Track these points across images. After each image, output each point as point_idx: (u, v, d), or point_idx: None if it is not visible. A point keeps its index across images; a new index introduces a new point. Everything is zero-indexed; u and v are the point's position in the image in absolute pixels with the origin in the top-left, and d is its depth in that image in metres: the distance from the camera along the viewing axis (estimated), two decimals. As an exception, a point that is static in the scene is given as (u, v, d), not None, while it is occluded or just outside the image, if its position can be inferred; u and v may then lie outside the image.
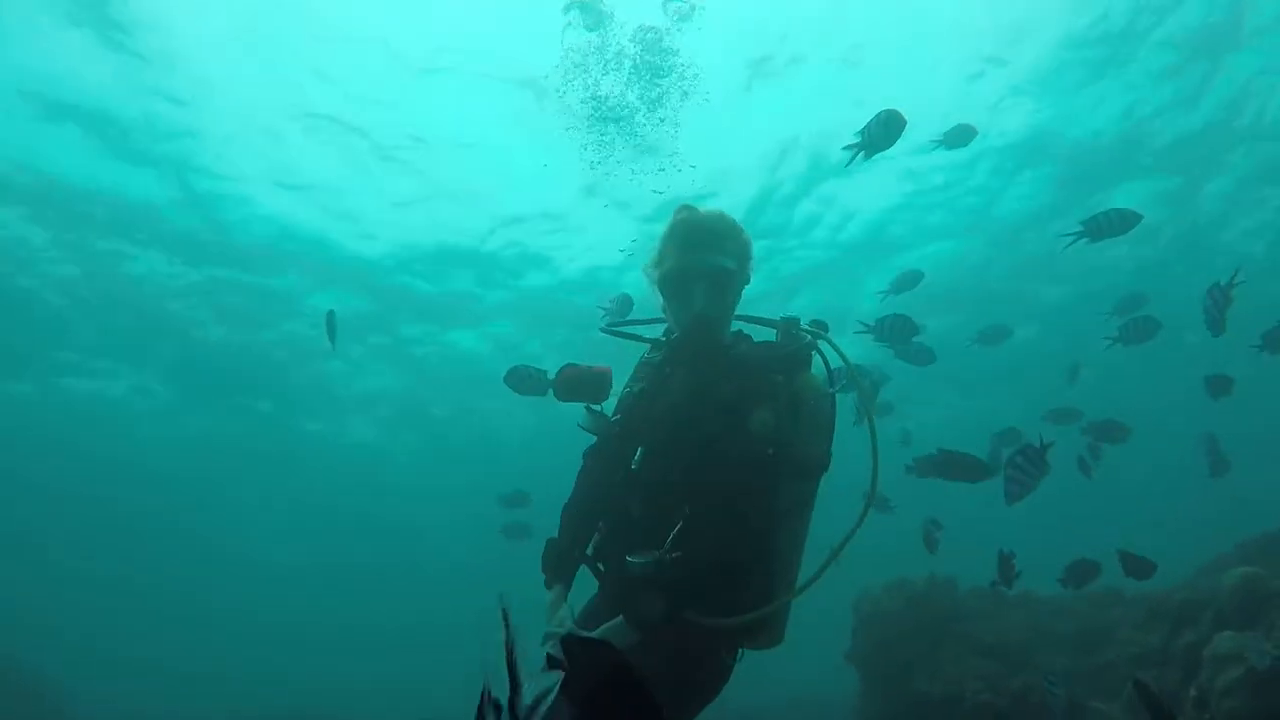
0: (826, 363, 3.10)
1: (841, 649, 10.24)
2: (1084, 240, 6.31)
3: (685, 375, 3.10)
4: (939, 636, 9.33)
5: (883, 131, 5.01)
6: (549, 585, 3.06)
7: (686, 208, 3.21)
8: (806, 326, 3.14)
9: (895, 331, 6.61)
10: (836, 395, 3.08)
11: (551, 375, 6.00)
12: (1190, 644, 7.58)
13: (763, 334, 3.25)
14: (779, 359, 3.03)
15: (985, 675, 8.34)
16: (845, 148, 5.17)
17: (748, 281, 3.21)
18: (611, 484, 3.13)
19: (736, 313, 3.24)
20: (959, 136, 8.09)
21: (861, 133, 5.07)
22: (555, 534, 3.20)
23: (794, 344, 3.07)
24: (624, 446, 3.17)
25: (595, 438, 3.27)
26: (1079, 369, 10.98)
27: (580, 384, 3.29)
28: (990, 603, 9.92)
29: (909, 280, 8.53)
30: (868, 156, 5.14)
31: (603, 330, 3.49)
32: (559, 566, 3.08)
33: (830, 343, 3.07)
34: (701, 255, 3.03)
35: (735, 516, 2.75)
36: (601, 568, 3.11)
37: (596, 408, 3.26)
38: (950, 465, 5.83)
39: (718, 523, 2.74)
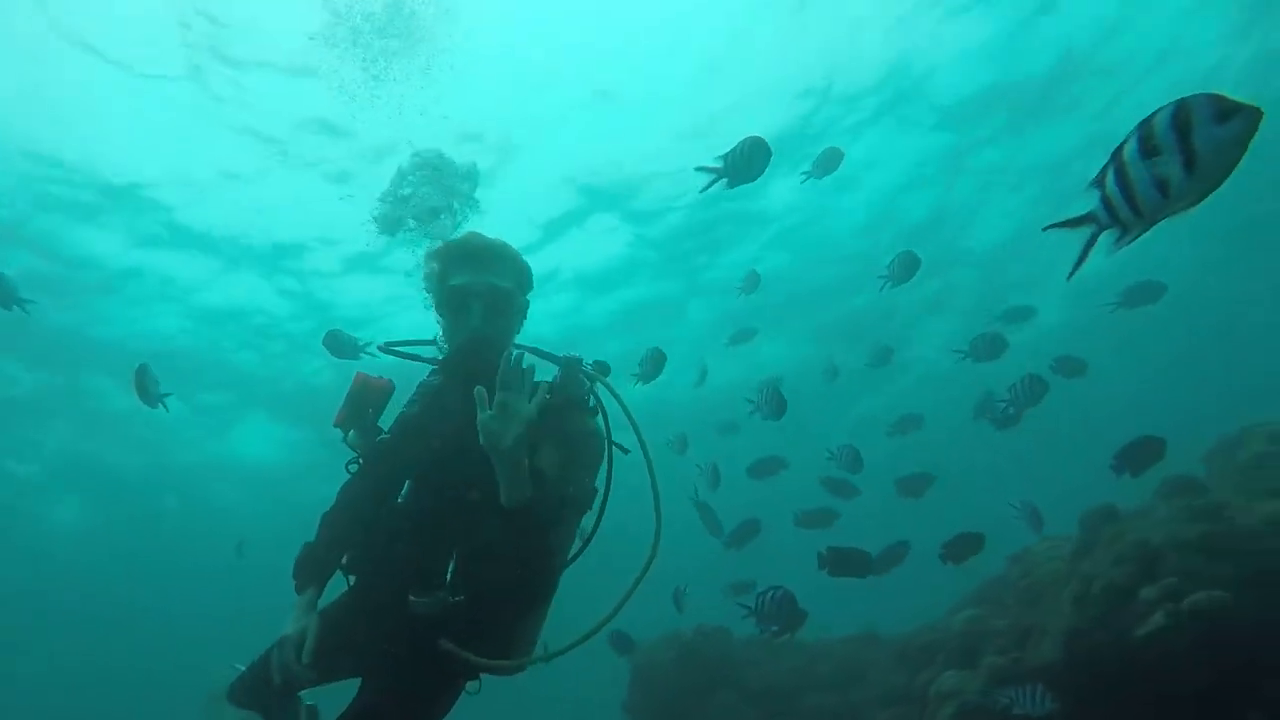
0: (601, 406, 3.10)
1: (619, 698, 10.30)
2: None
3: (461, 403, 2.98)
4: (710, 685, 9.56)
5: (745, 163, 4.42)
6: (300, 589, 2.97)
7: (469, 232, 3.24)
8: (588, 367, 3.14)
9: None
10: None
11: (363, 342, 6.07)
12: (926, 683, 8.13)
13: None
14: (556, 396, 3.01)
15: (747, 721, 8.61)
16: (698, 169, 4.47)
17: (526, 308, 3.26)
18: (374, 503, 3.08)
19: (522, 344, 3.22)
20: (828, 162, 7.55)
21: (723, 158, 4.46)
22: (312, 539, 3.11)
23: (573, 383, 3.07)
24: (391, 468, 3.13)
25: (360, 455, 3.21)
26: (756, 278, 9.85)
27: (367, 392, 3.26)
28: (760, 650, 10.25)
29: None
30: (729, 186, 4.51)
31: (381, 349, 3.39)
32: (314, 571, 3.02)
33: (608, 386, 3.09)
34: (478, 275, 3.06)
35: (513, 555, 2.70)
36: (351, 579, 3.06)
37: (367, 428, 3.22)
38: (841, 563, 6.22)
39: (497, 562, 2.69)
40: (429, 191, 6.55)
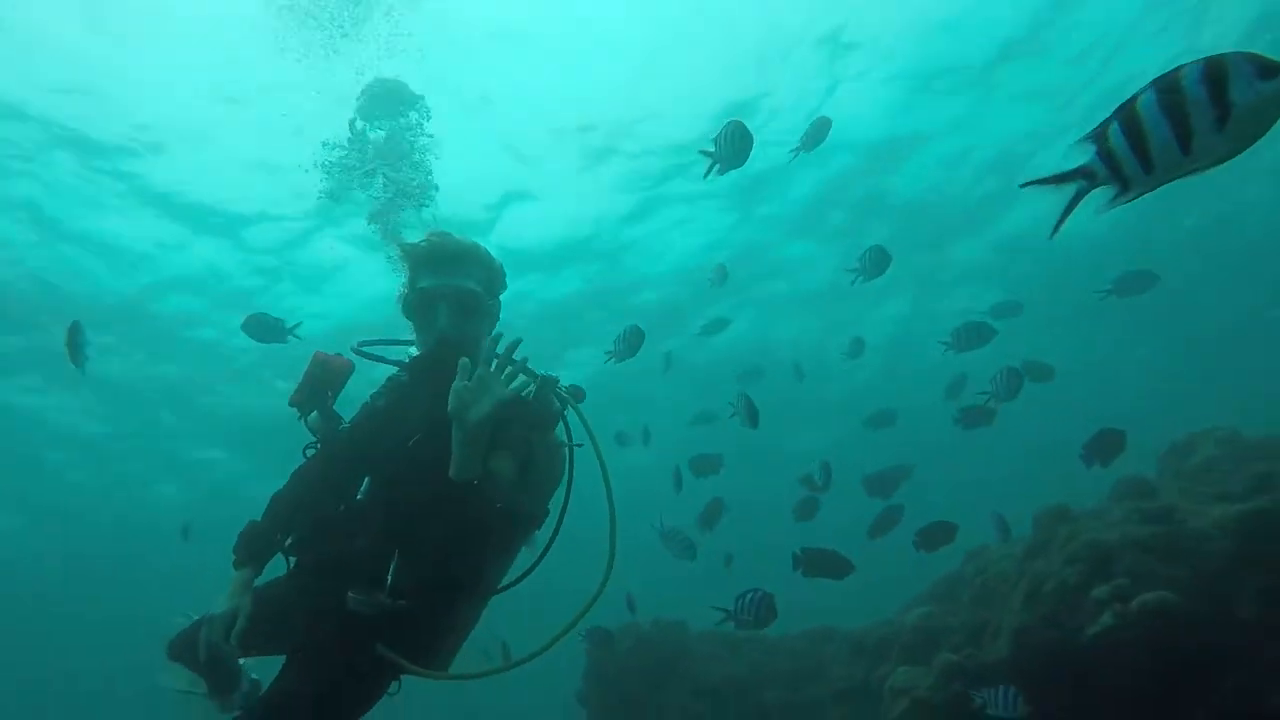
0: (568, 429, 3.11)
1: (574, 689, 10.27)
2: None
3: (427, 403, 2.98)
4: (663, 678, 9.54)
5: (732, 150, 4.71)
6: (238, 565, 2.97)
7: (437, 233, 3.20)
8: (563, 390, 3.12)
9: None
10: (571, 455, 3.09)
11: (290, 325, 6.00)
12: (883, 677, 8.18)
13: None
14: (527, 412, 2.97)
15: (699, 715, 8.61)
16: (701, 151, 4.79)
17: (498, 309, 3.27)
18: (327, 490, 3.06)
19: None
20: (817, 133, 7.34)
21: (715, 142, 4.78)
22: (259, 518, 3.12)
23: (545, 402, 3.05)
24: (350, 458, 3.09)
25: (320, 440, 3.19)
26: (725, 272, 10.23)
27: (326, 373, 3.25)
28: (718, 644, 10.27)
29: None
30: (720, 173, 4.86)
31: (355, 351, 3.35)
32: (255, 550, 3.02)
33: (579, 413, 3.08)
34: (446, 278, 3.06)
35: (454, 559, 2.71)
36: (291, 560, 3.05)
37: (328, 411, 3.23)
38: (816, 563, 6.27)
39: (437, 565, 2.69)
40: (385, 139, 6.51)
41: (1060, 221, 1.87)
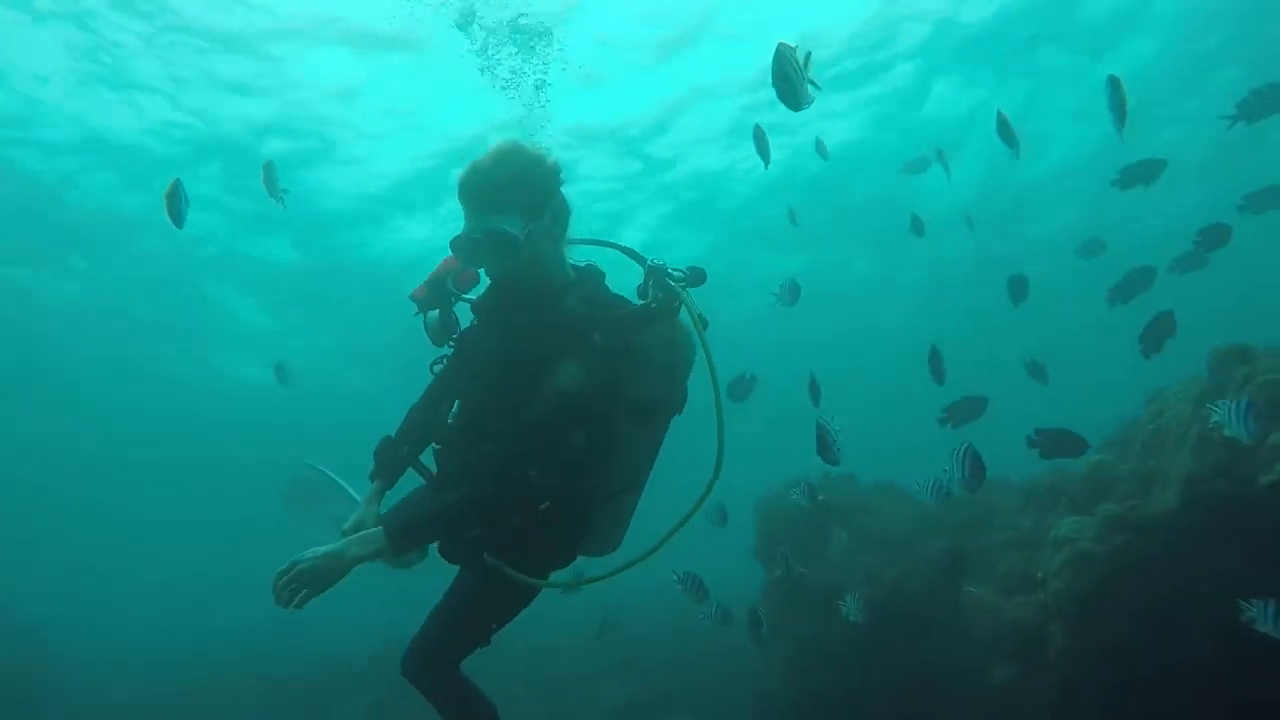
0: (692, 313, 2.97)
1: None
2: None
3: (504, 330, 3.04)
4: (834, 530, 9.83)
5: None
6: (372, 478, 3.26)
7: (471, 164, 3.00)
8: (677, 273, 3.03)
9: None
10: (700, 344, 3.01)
11: (282, 188, 6.47)
12: (1050, 527, 8.10)
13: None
14: (612, 321, 2.90)
15: (867, 566, 8.89)
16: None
17: (555, 219, 3.03)
18: (446, 403, 3.26)
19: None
20: None
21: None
22: (395, 432, 3.35)
23: (644, 301, 3.00)
24: (454, 377, 3.28)
25: (440, 350, 3.29)
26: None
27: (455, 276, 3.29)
28: (888, 497, 10.43)
29: None
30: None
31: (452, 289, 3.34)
32: (384, 463, 3.27)
33: (687, 304, 2.96)
34: (478, 219, 2.92)
35: (545, 468, 2.80)
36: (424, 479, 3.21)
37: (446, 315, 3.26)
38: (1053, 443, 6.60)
39: (518, 474, 2.80)
40: None
41: None
